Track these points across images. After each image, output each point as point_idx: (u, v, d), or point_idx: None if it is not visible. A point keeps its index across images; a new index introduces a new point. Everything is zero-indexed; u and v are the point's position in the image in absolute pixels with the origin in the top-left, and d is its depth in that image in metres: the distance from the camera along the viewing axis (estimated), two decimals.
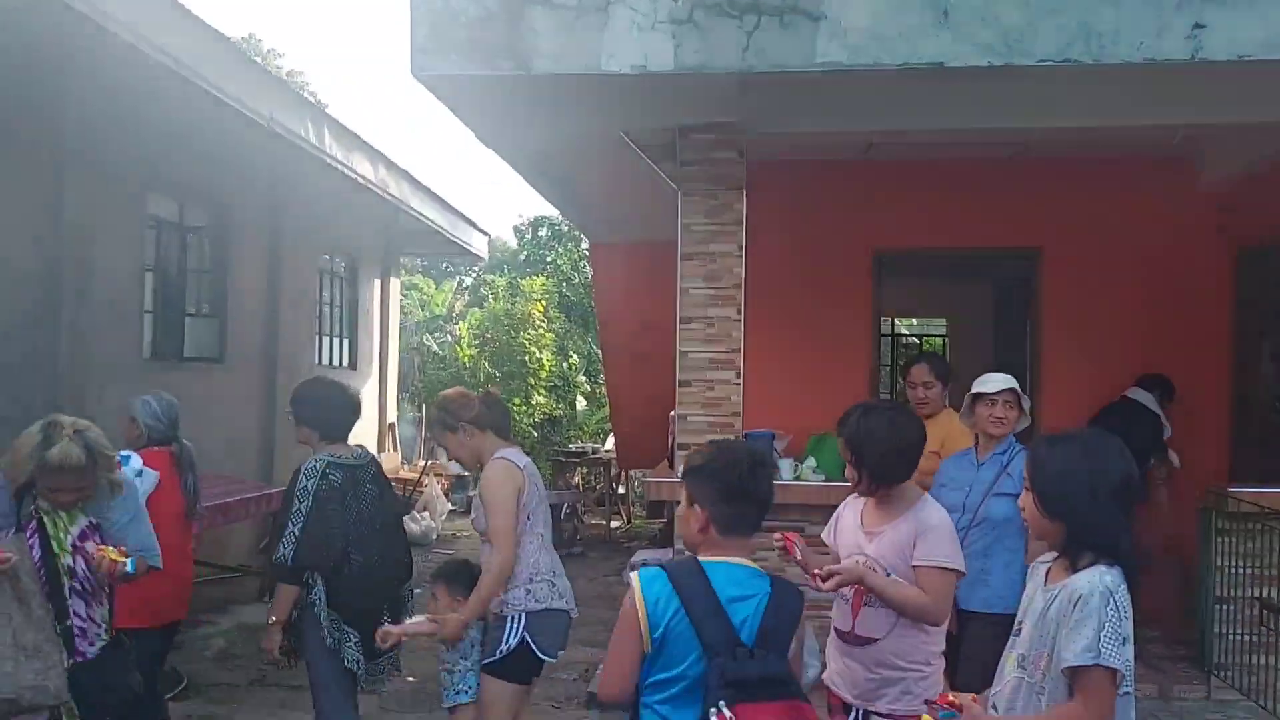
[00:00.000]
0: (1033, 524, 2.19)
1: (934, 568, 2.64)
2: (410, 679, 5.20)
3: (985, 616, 3.48)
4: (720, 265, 5.23)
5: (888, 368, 10.56)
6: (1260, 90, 4.82)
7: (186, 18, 5.83)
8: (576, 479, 12.48)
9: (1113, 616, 1.98)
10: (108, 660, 3.05)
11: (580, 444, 14.15)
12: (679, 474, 2.29)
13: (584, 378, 16.72)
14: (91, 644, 3.03)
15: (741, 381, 5.25)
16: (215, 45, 6.26)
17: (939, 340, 12.59)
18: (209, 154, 7.58)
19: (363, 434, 11.60)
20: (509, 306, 16.04)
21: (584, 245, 16.99)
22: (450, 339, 18.05)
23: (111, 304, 6.66)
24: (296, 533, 3.48)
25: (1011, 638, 2.23)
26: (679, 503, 2.29)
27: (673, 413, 5.86)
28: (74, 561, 2.99)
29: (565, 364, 16.27)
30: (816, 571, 2.72)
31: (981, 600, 3.53)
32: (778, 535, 2.88)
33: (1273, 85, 4.72)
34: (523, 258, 20.05)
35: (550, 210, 14.73)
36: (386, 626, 3.48)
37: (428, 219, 11.01)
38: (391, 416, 13.05)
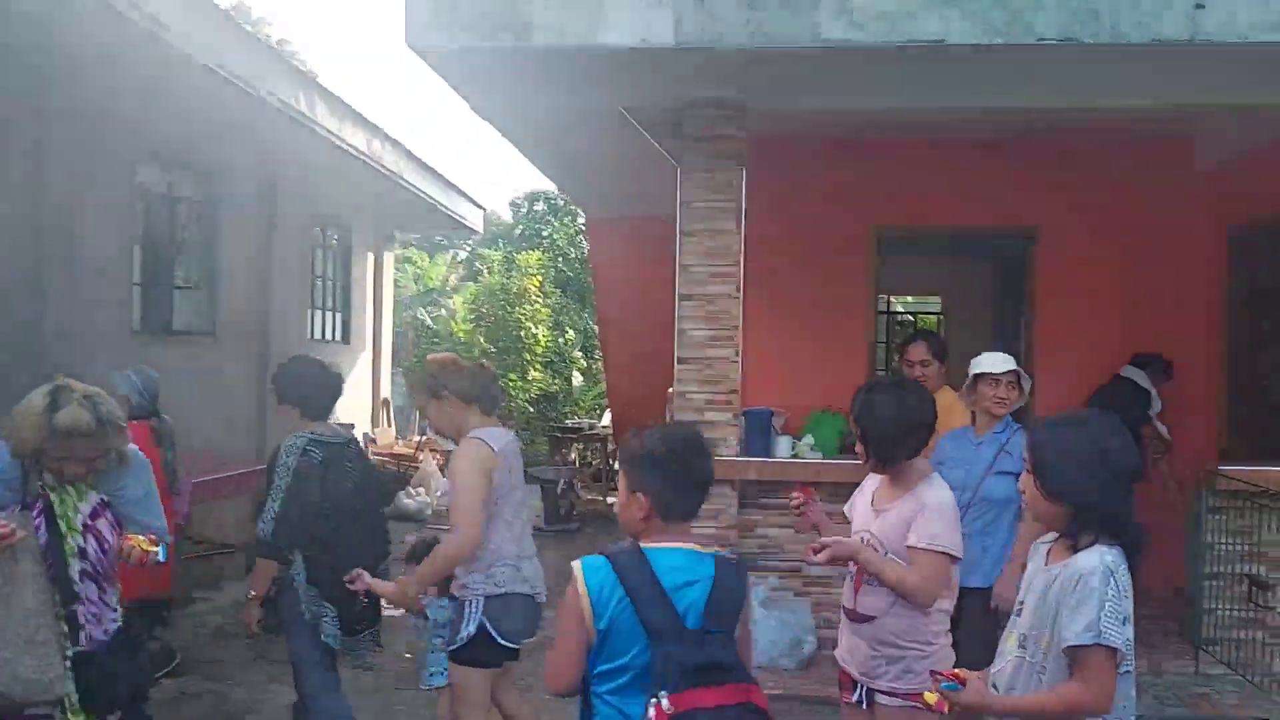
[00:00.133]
0: (1033, 505, 2.20)
1: (924, 549, 2.65)
2: (407, 655, 5.22)
3: (983, 592, 3.55)
4: (720, 242, 5.21)
5: (884, 345, 10.57)
6: (1258, 72, 4.82)
7: None
8: (573, 455, 12.51)
9: (1113, 596, 2.00)
10: (118, 646, 2.84)
11: (576, 420, 14.17)
12: (619, 461, 2.25)
13: (580, 353, 16.71)
14: (106, 630, 2.82)
15: (740, 359, 5.25)
16: (205, 12, 6.16)
17: (934, 318, 12.60)
18: (199, 124, 7.48)
19: (356, 409, 11.60)
20: (505, 281, 15.98)
21: (581, 220, 16.93)
22: (445, 313, 18.00)
23: (99, 276, 6.59)
24: (276, 508, 3.52)
25: (1012, 617, 2.25)
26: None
27: (671, 389, 5.86)
28: (85, 542, 2.77)
29: (561, 339, 16.26)
30: (812, 545, 2.74)
31: (981, 577, 3.58)
32: (795, 493, 2.89)
33: (1270, 68, 4.72)
34: (518, 232, 19.95)
35: (547, 184, 14.65)
36: (359, 570, 3.46)
37: (422, 192, 10.93)
38: (385, 392, 13.02)
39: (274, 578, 3.61)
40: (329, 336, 11.24)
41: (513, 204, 21.06)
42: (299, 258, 10.06)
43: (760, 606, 5.06)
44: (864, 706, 2.76)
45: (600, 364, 13.26)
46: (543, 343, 15.28)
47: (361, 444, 3.94)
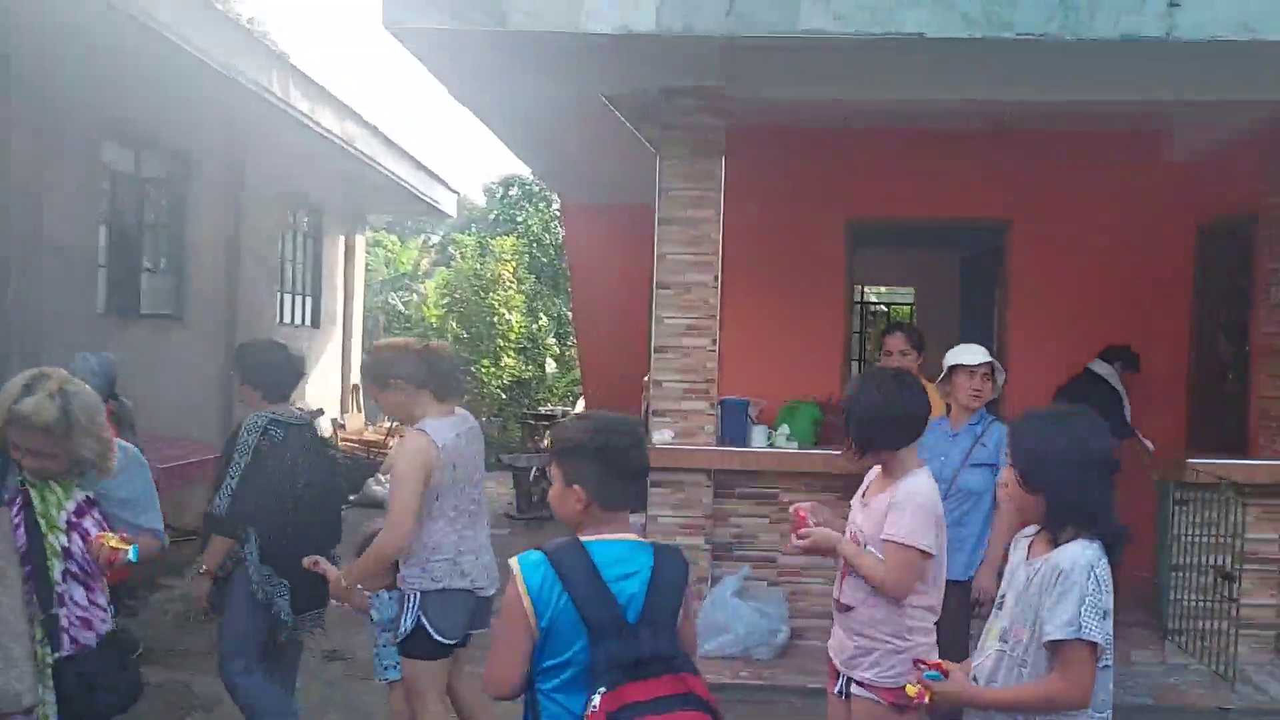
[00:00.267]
0: (1014, 499, 2.21)
1: (892, 542, 2.65)
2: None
3: (956, 585, 3.55)
4: (698, 231, 5.19)
5: (857, 334, 10.64)
6: (1230, 70, 4.90)
7: None
8: (546, 441, 12.48)
9: (1093, 590, 2.02)
10: (109, 652, 2.66)
11: (550, 407, 14.12)
12: (550, 453, 2.20)
13: (554, 340, 16.65)
14: (96, 633, 2.65)
15: (718, 348, 5.25)
16: None
17: (906, 308, 12.71)
18: (168, 103, 7.32)
19: (326, 395, 11.47)
20: (478, 267, 15.85)
21: (556, 206, 16.82)
22: (416, 298, 17.84)
23: (64, 257, 6.44)
24: (234, 485, 3.49)
25: (994, 610, 2.27)
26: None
27: (647, 378, 5.85)
28: (69, 541, 2.60)
29: (535, 326, 16.18)
30: (797, 532, 2.75)
31: (959, 568, 3.59)
32: (792, 508, 2.86)
33: (1242, 66, 4.80)
34: (492, 217, 19.79)
35: (522, 169, 14.56)
36: (316, 557, 3.41)
37: (395, 175, 10.79)
38: (355, 377, 12.89)
39: (226, 555, 3.57)
40: (299, 321, 11.09)
41: (487, 189, 20.88)
42: (269, 240, 9.91)
43: (734, 596, 5.08)
44: (843, 697, 2.77)
45: (574, 351, 13.21)
46: (516, 329, 15.20)
47: (330, 430, 3.92)
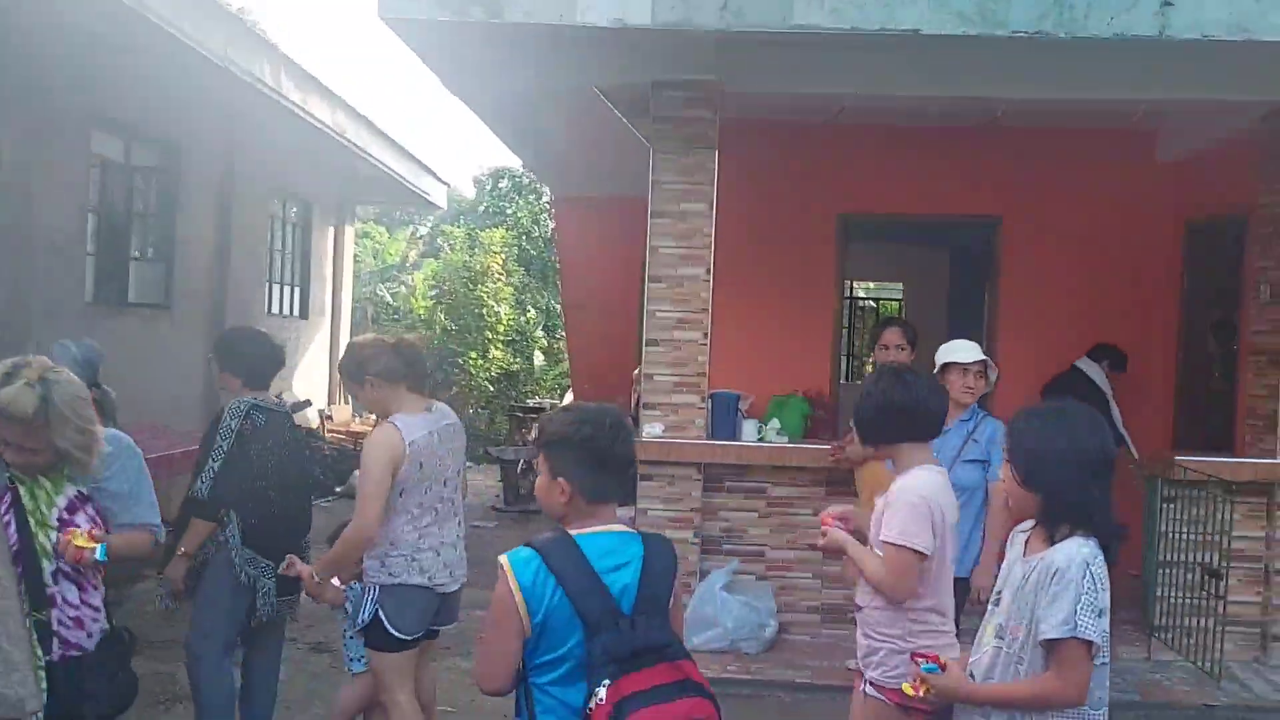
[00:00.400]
0: (1011, 496, 2.22)
1: (886, 542, 2.63)
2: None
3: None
4: (690, 224, 5.18)
5: (846, 329, 10.65)
6: (1222, 70, 4.92)
7: None
8: (534, 434, 12.44)
9: (1089, 588, 2.02)
10: (104, 655, 2.57)
11: (538, 399, 14.10)
12: (535, 445, 2.19)
13: (542, 333, 16.61)
14: (90, 634, 2.56)
15: (709, 342, 5.25)
16: None
17: (895, 304, 12.73)
18: (158, 92, 7.26)
19: (313, 386, 11.42)
20: (467, 259, 15.79)
21: (545, 199, 16.77)
22: (405, 289, 17.76)
23: (51, 245, 6.39)
24: (216, 469, 3.48)
25: (990, 607, 2.27)
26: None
27: (636, 371, 5.84)
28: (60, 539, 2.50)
29: (523, 318, 16.14)
30: (825, 521, 2.77)
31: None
32: (820, 514, 2.86)
33: (1234, 66, 4.82)
34: (481, 209, 19.72)
35: (512, 161, 14.50)
36: (292, 557, 3.43)
37: (385, 166, 10.74)
38: None
39: (206, 539, 3.56)
40: (287, 311, 11.04)
41: (476, 180, 20.81)
42: (258, 231, 9.84)
43: (722, 590, 5.08)
44: (865, 696, 2.77)
45: (562, 343, 13.18)
46: (504, 321, 15.15)
47: (318, 421, 3.91)
